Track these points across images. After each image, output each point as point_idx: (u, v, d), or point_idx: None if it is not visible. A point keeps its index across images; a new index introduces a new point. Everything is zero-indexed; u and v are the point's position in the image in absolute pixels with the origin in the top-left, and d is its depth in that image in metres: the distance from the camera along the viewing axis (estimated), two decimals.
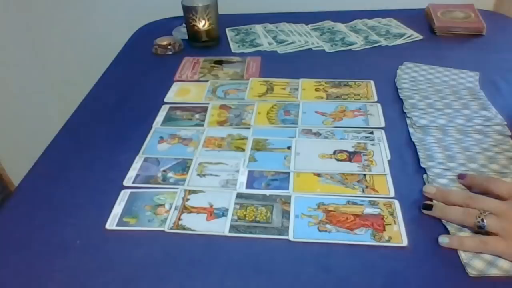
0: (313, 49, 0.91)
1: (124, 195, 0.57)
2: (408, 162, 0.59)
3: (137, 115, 0.73)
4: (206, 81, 0.81)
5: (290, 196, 0.55)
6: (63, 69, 1.24)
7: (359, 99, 0.73)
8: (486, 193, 0.51)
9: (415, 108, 0.69)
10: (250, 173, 0.59)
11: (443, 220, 0.50)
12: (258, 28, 1.00)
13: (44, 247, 0.50)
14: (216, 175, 0.59)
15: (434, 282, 0.44)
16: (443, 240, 0.47)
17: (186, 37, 0.94)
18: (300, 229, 0.50)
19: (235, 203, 0.54)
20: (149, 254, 0.49)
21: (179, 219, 0.53)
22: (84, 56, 1.21)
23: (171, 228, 0.52)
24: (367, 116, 0.68)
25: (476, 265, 0.45)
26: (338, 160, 0.60)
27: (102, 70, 0.87)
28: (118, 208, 0.55)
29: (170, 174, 0.60)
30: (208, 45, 0.93)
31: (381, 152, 0.61)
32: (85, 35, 1.19)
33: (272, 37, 0.96)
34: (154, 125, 0.69)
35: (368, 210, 0.52)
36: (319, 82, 0.78)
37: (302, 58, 0.88)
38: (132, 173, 0.60)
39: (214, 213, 0.53)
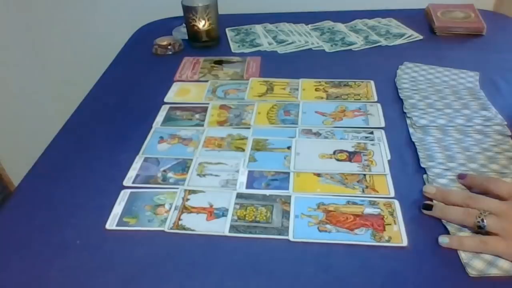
0: (313, 49, 0.91)
1: (124, 195, 0.57)
2: (408, 162, 0.59)
3: (137, 115, 0.73)
4: (206, 81, 0.81)
5: (290, 196, 0.55)
6: (63, 69, 1.24)
7: (359, 99, 0.73)
8: (486, 193, 0.51)
9: (415, 108, 0.69)
10: (250, 173, 0.59)
11: (443, 220, 0.50)
12: (258, 28, 1.00)
13: (44, 247, 0.50)
14: (216, 175, 0.59)
15: (434, 282, 0.44)
16: (443, 240, 0.47)
17: (186, 37, 0.94)
18: (300, 229, 0.50)
19: (235, 203, 0.54)
20: (149, 254, 0.49)
21: (179, 219, 0.53)
22: (84, 56, 1.21)
23: (171, 228, 0.52)
24: (367, 116, 0.68)
25: (476, 265, 0.45)
26: (338, 160, 0.60)
27: (102, 70, 0.87)
28: (118, 208, 0.55)
29: (170, 174, 0.60)
30: (208, 45, 0.93)
31: (381, 152, 0.61)
32: (85, 35, 1.19)
33: (272, 37, 0.96)
34: (154, 125, 0.70)
35: (368, 210, 0.52)
36: (319, 82, 0.78)
37: (302, 58, 0.88)
38: (132, 173, 0.60)
39: (214, 213, 0.53)
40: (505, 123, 0.64)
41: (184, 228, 0.52)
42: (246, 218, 0.52)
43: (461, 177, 0.55)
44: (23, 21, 1.17)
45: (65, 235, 0.52)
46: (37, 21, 1.17)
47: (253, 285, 0.45)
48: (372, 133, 0.65)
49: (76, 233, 0.52)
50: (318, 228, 0.50)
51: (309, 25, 1.00)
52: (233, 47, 0.93)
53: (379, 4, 1.06)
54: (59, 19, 1.17)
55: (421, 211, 0.52)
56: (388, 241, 0.48)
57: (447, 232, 0.49)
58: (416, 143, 0.62)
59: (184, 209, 0.54)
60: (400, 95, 0.73)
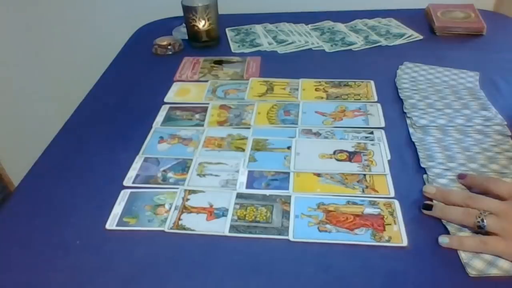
0: (313, 49, 0.91)
1: (124, 195, 0.57)
2: (408, 162, 0.59)
3: (137, 115, 0.73)
4: (206, 81, 0.81)
5: (290, 196, 0.55)
6: (63, 69, 1.24)
7: (359, 99, 0.73)
8: (486, 193, 0.51)
9: (415, 108, 0.69)
10: (250, 173, 0.59)
11: (443, 220, 0.50)
12: (258, 28, 1.00)
13: (44, 247, 0.50)
14: (216, 175, 0.59)
15: (434, 282, 0.44)
16: (443, 240, 0.47)
17: (186, 37, 0.94)
18: (300, 229, 0.50)
19: (235, 203, 0.54)
20: (149, 254, 0.49)
21: (179, 219, 0.53)
22: (84, 56, 1.21)
23: (171, 228, 0.52)
24: (367, 116, 0.68)
25: (476, 265, 0.45)
26: (338, 160, 0.60)
27: (102, 70, 0.87)
28: (118, 208, 0.55)
29: (170, 174, 0.60)
30: (208, 45, 0.93)
31: (381, 152, 0.61)
32: (85, 35, 1.19)
33: (272, 37, 0.96)
34: (154, 125, 0.69)
35: (368, 210, 0.52)
36: (319, 82, 0.78)
37: (302, 58, 0.88)
38: (132, 173, 0.60)
39: (214, 213, 0.53)
40: (505, 123, 0.64)
41: (184, 228, 0.52)
42: (246, 218, 0.52)
43: (461, 177, 0.55)
44: (23, 21, 1.17)
45: (65, 235, 0.52)
46: (37, 21, 1.17)
47: (253, 285, 0.45)
48: (372, 133, 0.65)
49: (76, 233, 0.52)
50: (318, 228, 0.50)
51: (309, 25, 1.00)
52: (233, 47, 0.93)
53: (379, 4, 1.06)
54: (59, 19, 1.17)
55: (421, 211, 0.52)
56: (388, 241, 0.48)
57: (447, 232, 0.49)
58: (416, 143, 0.62)
59: (184, 209, 0.54)
60: (400, 95, 0.73)
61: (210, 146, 0.64)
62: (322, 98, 0.74)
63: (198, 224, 0.52)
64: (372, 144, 0.62)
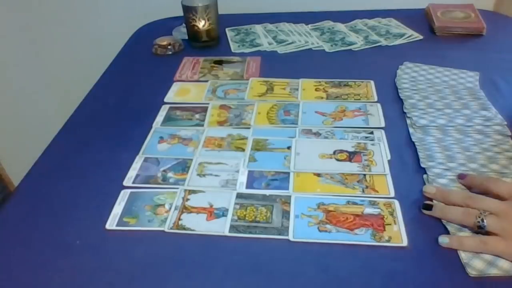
0: (313, 49, 0.91)
1: (124, 195, 0.57)
2: (408, 162, 0.59)
3: (137, 115, 0.73)
4: (206, 81, 0.81)
5: (290, 196, 0.55)
6: (63, 69, 1.24)
7: (359, 99, 0.73)
8: (486, 193, 0.51)
9: (415, 108, 0.69)
10: (250, 173, 0.59)
11: (443, 220, 0.50)
12: (258, 28, 1.00)
13: (44, 247, 0.50)
14: (216, 175, 0.59)
15: (434, 282, 0.44)
16: (443, 240, 0.47)
17: (186, 37, 0.94)
18: (300, 229, 0.50)
19: (235, 203, 0.54)
20: (149, 254, 0.49)
21: (179, 219, 0.53)
22: (84, 56, 1.21)
23: (171, 228, 0.52)
24: (367, 116, 0.68)
25: (476, 265, 0.45)
26: (338, 160, 0.60)
27: (102, 70, 0.87)
28: (118, 208, 0.55)
29: (170, 174, 0.60)
30: (208, 45, 0.93)
31: (381, 152, 0.61)
32: (85, 35, 1.19)
33: (272, 37, 0.96)
34: (154, 125, 0.70)
35: (368, 210, 0.52)
36: (319, 82, 0.78)
37: (302, 58, 0.88)
38: (132, 173, 0.60)
39: (214, 213, 0.53)
40: (505, 123, 0.64)
41: (184, 228, 0.52)
42: (246, 218, 0.52)
43: (461, 177, 0.55)
44: (23, 21, 1.17)
45: (65, 235, 0.52)
46: (37, 21, 1.17)
47: (253, 285, 0.45)
48: (372, 133, 0.65)
49: (76, 233, 0.52)
50: (318, 228, 0.50)
51: (309, 25, 1.00)
52: (233, 47, 0.93)
53: (379, 4, 1.06)
54: (59, 19, 1.17)
55: (421, 211, 0.52)
56: (388, 241, 0.48)
57: (447, 232, 0.49)
58: (416, 143, 0.62)
59: (184, 209, 0.54)
60: (400, 95, 0.73)
61: (210, 146, 0.64)
62: (322, 98, 0.74)
63: (198, 224, 0.52)
64: (372, 144, 0.62)
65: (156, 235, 0.51)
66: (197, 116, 0.71)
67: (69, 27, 1.18)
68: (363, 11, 1.04)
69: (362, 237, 0.49)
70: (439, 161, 0.58)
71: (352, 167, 0.59)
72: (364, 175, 0.57)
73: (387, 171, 0.58)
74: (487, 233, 0.47)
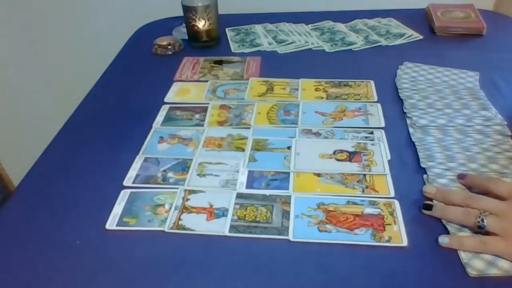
0: (313, 49, 0.91)
1: (124, 195, 0.57)
2: (408, 162, 0.59)
3: (137, 115, 0.73)
4: (206, 81, 0.81)
5: (290, 196, 0.55)
6: (63, 69, 1.24)
7: (359, 99, 0.73)
8: (486, 193, 0.51)
9: (415, 108, 0.69)
10: (250, 173, 0.59)
11: (443, 220, 0.50)
12: (258, 28, 1.00)
13: (44, 247, 0.50)
14: (216, 175, 0.59)
15: (434, 282, 0.44)
16: (443, 240, 0.47)
17: (186, 37, 0.94)
18: (300, 229, 0.50)
19: (235, 203, 0.54)
20: (149, 254, 0.49)
21: (179, 219, 0.53)
22: (84, 56, 1.21)
23: (171, 228, 0.52)
24: (367, 116, 0.68)
25: (476, 265, 0.45)
26: (338, 160, 0.60)
27: (102, 70, 0.87)
28: (118, 208, 0.55)
29: (170, 174, 0.60)
30: (208, 45, 0.93)
31: (381, 152, 0.61)
32: (85, 35, 1.19)
33: (272, 37, 0.96)
34: (154, 125, 0.70)
35: (368, 210, 0.52)
36: (319, 82, 0.78)
37: (302, 58, 0.88)
38: (132, 173, 0.60)
39: (214, 213, 0.53)
40: (505, 123, 0.64)
41: (184, 228, 0.52)
42: (246, 218, 0.52)
43: (461, 177, 0.55)
44: (23, 21, 1.17)
45: (65, 235, 0.52)
46: (37, 21, 1.17)
47: (253, 285, 0.45)
48: (372, 133, 0.65)
49: (76, 233, 0.52)
50: (318, 228, 0.50)
51: (309, 25, 1.00)
52: (233, 47, 0.93)
53: (379, 4, 1.06)
54: (59, 19, 1.17)
55: (421, 211, 0.52)
56: (388, 241, 0.48)
57: (447, 232, 0.49)
58: (416, 143, 0.62)
59: (184, 209, 0.54)
60: (400, 95, 0.73)
61: (210, 146, 0.64)
62: (322, 98, 0.74)
63: (198, 224, 0.52)
64: (372, 144, 0.62)
65: (156, 235, 0.51)
66: (197, 116, 0.71)
67: (69, 27, 1.18)
68: (363, 11, 1.04)
69: (362, 237, 0.49)
70: (439, 161, 0.58)
71: (352, 167, 0.59)
72: (364, 175, 0.57)
73: (387, 171, 0.58)
74: (487, 233, 0.47)
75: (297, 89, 0.76)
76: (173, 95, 0.77)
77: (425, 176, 0.57)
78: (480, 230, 0.47)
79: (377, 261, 0.47)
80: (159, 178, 0.59)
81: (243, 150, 0.63)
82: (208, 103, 0.74)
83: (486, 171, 0.56)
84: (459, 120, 0.65)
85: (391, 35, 0.94)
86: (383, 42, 0.91)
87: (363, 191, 0.55)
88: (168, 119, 0.71)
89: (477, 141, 0.61)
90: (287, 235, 0.50)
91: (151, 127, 0.69)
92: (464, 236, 0.48)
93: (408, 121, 0.67)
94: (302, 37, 0.95)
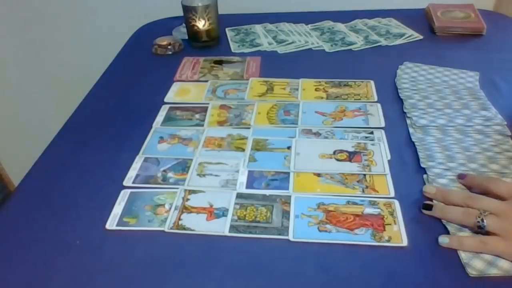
0: (313, 49, 0.91)
1: (124, 195, 0.57)
2: (408, 162, 0.59)
3: (137, 115, 0.73)
4: (206, 81, 0.81)
5: (290, 196, 0.55)
6: (63, 69, 1.24)
7: (359, 99, 0.73)
8: (486, 193, 0.51)
9: (415, 108, 0.69)
10: (250, 173, 0.59)
11: (443, 220, 0.50)
12: (258, 28, 1.00)
13: (44, 247, 0.50)
14: (216, 175, 0.59)
15: (434, 282, 0.44)
16: (443, 240, 0.47)
17: (186, 37, 0.94)
18: (300, 229, 0.50)
19: (235, 203, 0.54)
20: (149, 254, 0.49)
21: (179, 219, 0.53)
22: (84, 56, 1.21)
23: (171, 228, 0.52)
24: (367, 116, 0.68)
25: (476, 265, 0.45)
26: (338, 160, 0.60)
27: (102, 70, 0.87)
28: (118, 208, 0.55)
29: (170, 174, 0.60)
30: (208, 45, 0.93)
31: (381, 152, 0.61)
32: (85, 35, 1.19)
33: (272, 37, 0.96)
34: (154, 125, 0.70)
35: (368, 210, 0.52)
36: (319, 82, 0.78)
37: (302, 58, 0.88)
38: (132, 173, 0.60)
39: (214, 213, 0.53)
40: (505, 123, 0.64)
41: (184, 228, 0.52)
42: (246, 218, 0.52)
43: (461, 177, 0.55)
44: (23, 21, 1.17)
45: (65, 235, 0.52)
46: (37, 21, 1.17)
47: (253, 285, 0.45)
48: (372, 133, 0.65)
49: (76, 233, 0.52)
50: (318, 228, 0.50)
51: (309, 25, 1.00)
52: (233, 47, 0.93)
53: (379, 4, 1.06)
54: (59, 19, 1.17)
55: (421, 211, 0.52)
56: (388, 241, 0.48)
57: (447, 232, 0.49)
58: (416, 143, 0.62)
59: (184, 209, 0.54)
60: (400, 95, 0.73)
61: (210, 146, 0.64)
62: (322, 98, 0.74)
63: (198, 224, 0.52)
64: (372, 144, 0.62)
65: (156, 235, 0.51)
66: (197, 116, 0.71)
67: (69, 27, 1.18)
68: (363, 11, 1.04)
69: (362, 237, 0.49)
70: (439, 161, 0.58)
71: (352, 167, 0.59)
72: (364, 175, 0.57)
73: (387, 171, 0.58)
74: (487, 233, 0.47)
75: (297, 89, 0.76)
76: (173, 95, 0.77)
77: (425, 176, 0.57)
78: (480, 230, 0.47)
79: (377, 261, 0.47)
80: (159, 178, 0.59)
81: (243, 150, 0.63)
82: (208, 103, 0.74)
83: (486, 171, 0.56)
84: (459, 120, 0.65)
85: (391, 35, 0.94)
86: (383, 42, 0.91)
87: (363, 191, 0.55)
88: (168, 119, 0.71)
89: (477, 141, 0.61)
90: (287, 235, 0.50)
91: (151, 127, 0.69)
92: (464, 236, 0.48)
93: (408, 121, 0.67)
94: (302, 37, 0.95)
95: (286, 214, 0.52)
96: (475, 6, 0.98)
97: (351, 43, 0.91)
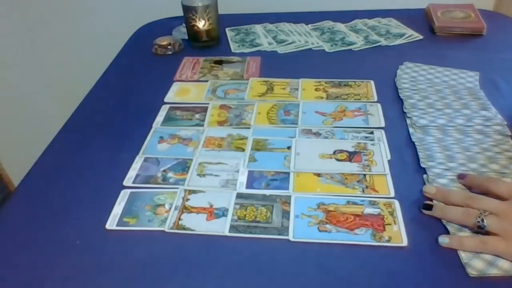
0: (313, 49, 0.91)
1: (124, 195, 0.57)
2: (408, 162, 0.59)
3: (137, 115, 0.73)
4: (206, 81, 0.81)
5: (290, 196, 0.55)
6: (63, 69, 1.24)
7: (359, 99, 0.73)
8: (486, 193, 0.51)
9: (415, 108, 0.69)
10: (250, 173, 0.59)
11: (443, 220, 0.50)
12: (258, 28, 1.00)
13: (44, 247, 0.50)
14: (216, 175, 0.59)
15: (434, 282, 0.44)
16: (443, 240, 0.47)
17: (186, 37, 0.94)
18: (300, 229, 0.50)
19: (235, 203, 0.54)
20: (149, 254, 0.49)
21: (179, 219, 0.53)
22: (84, 56, 1.21)
23: (171, 228, 0.52)
24: (367, 116, 0.68)
25: (476, 265, 0.45)
26: (338, 160, 0.60)
27: (102, 70, 0.87)
28: (118, 208, 0.55)
29: (170, 174, 0.60)
30: (208, 45, 0.93)
31: (381, 152, 0.61)
32: (85, 35, 1.19)
33: (272, 37, 0.96)
34: (154, 125, 0.70)
35: (368, 210, 0.52)
36: (319, 82, 0.78)
37: (302, 58, 0.88)
38: (132, 173, 0.60)
39: (214, 213, 0.53)
40: (505, 123, 0.64)
41: (184, 228, 0.52)
42: (246, 218, 0.52)
43: (461, 177, 0.55)
44: (22, 21, 1.17)
45: (65, 235, 0.52)
46: (37, 21, 1.17)
47: (253, 285, 0.45)
48: (372, 133, 0.65)
49: (76, 233, 0.52)
50: (318, 228, 0.50)
51: (309, 25, 1.00)
52: (233, 47, 0.93)
53: (379, 4, 1.06)
54: (59, 19, 1.17)
55: (421, 211, 0.52)
56: (388, 241, 0.48)
57: (447, 232, 0.49)
58: (416, 143, 0.62)
59: (184, 209, 0.54)
60: (400, 95, 0.73)
61: (210, 146, 0.64)
62: (322, 98, 0.74)
63: (198, 224, 0.52)
64: (372, 144, 0.62)
65: (156, 235, 0.51)
66: (197, 116, 0.71)
67: (69, 27, 1.18)
68: (363, 11, 1.04)
69: (362, 237, 0.49)
70: (439, 161, 0.58)
71: (352, 167, 0.59)
72: (364, 175, 0.57)
73: (387, 171, 0.58)
74: (487, 233, 0.47)
75: (297, 89, 0.76)
76: (173, 95, 0.77)
77: (425, 176, 0.57)
78: (480, 230, 0.47)
79: (377, 261, 0.47)
80: (159, 178, 0.59)
81: (243, 150, 0.63)
82: (208, 103, 0.74)
83: (486, 171, 0.56)
84: (459, 120, 0.65)
85: (391, 35, 0.94)
86: (383, 42, 0.91)
87: (363, 191, 0.55)
88: (168, 119, 0.71)
89: (477, 141, 0.61)
90: (287, 235, 0.50)
91: (151, 127, 0.69)
92: (464, 236, 0.48)
93: (408, 121, 0.67)
94: (302, 37, 0.95)
95: (286, 214, 0.52)
96: (475, 6, 0.98)
97: (351, 43, 0.91)
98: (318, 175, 0.58)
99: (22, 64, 1.23)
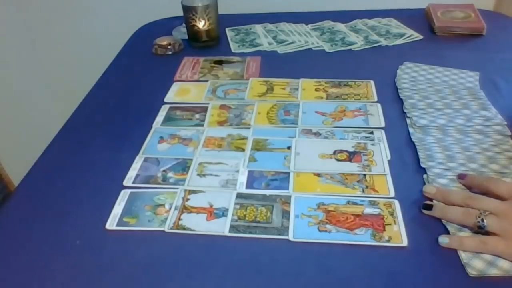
0: (313, 49, 0.91)
1: (124, 195, 0.57)
2: (408, 162, 0.59)
3: (137, 115, 0.73)
4: (206, 81, 0.81)
5: (290, 196, 0.55)
6: (63, 69, 1.24)
7: (359, 99, 0.73)
8: (486, 193, 0.51)
9: (415, 108, 0.69)
10: (250, 173, 0.59)
11: (443, 220, 0.50)
12: (258, 28, 1.00)
13: (44, 247, 0.50)
14: (216, 175, 0.59)
15: (434, 282, 0.44)
16: (443, 240, 0.47)
17: (186, 37, 0.94)
18: (300, 229, 0.50)
19: (235, 203, 0.54)
20: (149, 254, 0.49)
21: (179, 219, 0.53)
22: (84, 56, 1.21)
23: (171, 228, 0.52)
24: (367, 116, 0.68)
25: (476, 265, 0.45)
26: (338, 160, 0.60)
27: (102, 70, 0.87)
28: (118, 208, 0.55)
29: (170, 174, 0.60)
30: (208, 45, 0.93)
31: (381, 152, 0.61)
32: (85, 35, 1.19)
33: (272, 37, 0.96)
34: (154, 125, 0.70)
35: (368, 210, 0.52)
36: (319, 82, 0.78)
37: (302, 58, 0.88)
38: (132, 173, 0.60)
39: (214, 213, 0.53)
40: (505, 123, 0.64)
41: (184, 228, 0.52)
42: (246, 218, 0.52)
43: (461, 177, 0.55)
44: (22, 21, 1.17)
45: (65, 235, 0.52)
46: (37, 21, 1.17)
47: (253, 285, 0.45)
48: (372, 133, 0.65)
49: (76, 233, 0.52)
50: (318, 228, 0.50)
51: (309, 25, 1.00)
52: (233, 47, 0.93)
53: (379, 4, 1.06)
54: (59, 19, 1.17)
55: (421, 211, 0.52)
56: (388, 241, 0.48)
57: (447, 232, 0.49)
58: (416, 143, 0.62)
59: (184, 209, 0.54)
60: (400, 95, 0.73)
61: (210, 146, 0.64)
62: (322, 98, 0.74)
63: (198, 224, 0.52)
64: (372, 144, 0.62)
65: (156, 235, 0.51)
66: (197, 116, 0.71)
67: (69, 27, 1.18)
68: (363, 11, 1.04)
69: (362, 237, 0.49)
70: (439, 161, 0.58)
71: (352, 167, 0.59)
72: (364, 175, 0.57)
73: (387, 171, 0.58)
74: (487, 233, 0.47)
75: (297, 89, 0.76)
76: (173, 95, 0.77)
77: (425, 176, 0.57)
78: (480, 230, 0.47)
79: (377, 261, 0.47)
80: (159, 178, 0.59)
81: (243, 150, 0.63)
82: (208, 103, 0.74)
83: (486, 171, 0.56)
84: (459, 120, 0.65)
85: (391, 35, 0.94)
86: (383, 42, 0.91)
87: (363, 191, 0.55)
88: (168, 119, 0.71)
89: (477, 141, 0.61)
90: (287, 235, 0.50)
91: (151, 127, 0.69)
92: (464, 236, 0.48)
93: (408, 121, 0.67)
94: (302, 37, 0.95)
95: (286, 214, 0.52)
96: (475, 6, 0.98)
97: (351, 43, 0.91)
98: (318, 175, 0.58)
99: (22, 64, 1.23)
